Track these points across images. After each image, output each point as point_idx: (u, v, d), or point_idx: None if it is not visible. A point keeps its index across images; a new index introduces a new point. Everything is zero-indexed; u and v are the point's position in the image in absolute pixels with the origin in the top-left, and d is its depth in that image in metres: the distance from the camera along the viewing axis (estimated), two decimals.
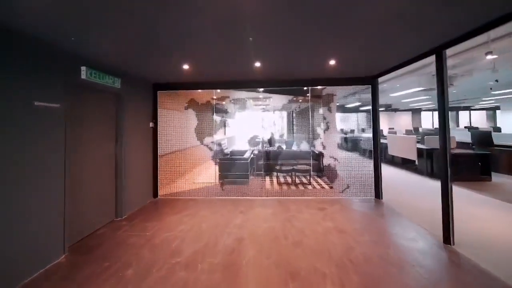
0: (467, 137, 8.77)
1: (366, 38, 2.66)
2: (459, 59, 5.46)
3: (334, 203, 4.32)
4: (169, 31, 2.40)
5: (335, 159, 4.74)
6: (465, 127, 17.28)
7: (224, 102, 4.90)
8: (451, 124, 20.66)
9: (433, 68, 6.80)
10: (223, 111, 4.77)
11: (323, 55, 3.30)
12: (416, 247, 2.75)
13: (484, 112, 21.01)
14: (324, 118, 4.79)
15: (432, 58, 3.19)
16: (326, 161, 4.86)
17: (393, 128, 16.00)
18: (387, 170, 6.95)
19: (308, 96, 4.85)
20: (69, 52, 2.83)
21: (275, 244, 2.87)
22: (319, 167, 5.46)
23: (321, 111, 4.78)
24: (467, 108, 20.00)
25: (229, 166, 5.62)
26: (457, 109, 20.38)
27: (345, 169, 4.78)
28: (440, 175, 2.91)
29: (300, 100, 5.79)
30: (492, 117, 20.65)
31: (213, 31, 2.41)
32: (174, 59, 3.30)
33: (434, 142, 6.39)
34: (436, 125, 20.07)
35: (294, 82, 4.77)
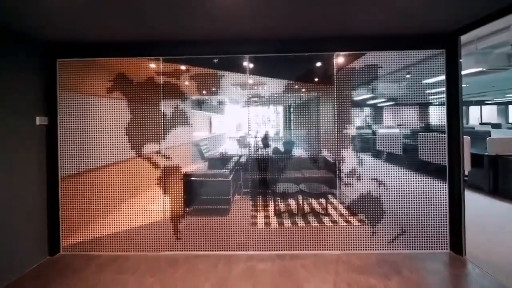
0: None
1: None
2: None
3: (386, 270, 2.26)
4: None
5: (380, 182, 2.67)
6: (480, 123, 15.63)
7: (180, 79, 2.72)
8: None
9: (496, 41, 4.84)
10: (179, 96, 2.59)
11: None
12: None
13: (494, 107, 19.57)
14: (360, 110, 2.70)
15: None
16: (364, 184, 2.77)
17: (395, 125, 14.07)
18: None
19: (332, 70, 2.71)
20: None
21: None
22: (339, 185, 3.40)
23: (355, 94, 2.67)
24: (479, 103, 18.40)
25: (200, 187, 3.50)
26: (468, 103, 18.78)
27: (389, 196, 2.72)
28: None
29: (304, 90, 3.65)
30: (504, 112, 19.22)
31: None
32: None
33: (503, 146, 4.41)
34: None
35: (308, 45, 2.64)
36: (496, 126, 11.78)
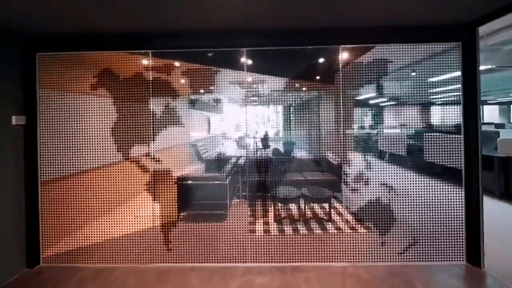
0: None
1: None
2: None
3: (398, 285, 2.04)
4: None
5: (390, 187, 2.46)
6: (483, 123, 15.47)
7: (171, 76, 2.48)
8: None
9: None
10: (170, 94, 2.36)
11: None
12: None
13: (495, 106, 19.40)
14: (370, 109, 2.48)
15: None
16: (371, 189, 2.55)
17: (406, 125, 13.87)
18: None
19: (337, 65, 2.49)
20: None
21: None
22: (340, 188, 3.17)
23: (363, 92, 2.46)
24: (481, 103, 18.18)
25: (195, 191, 3.28)
26: None
27: (400, 202, 2.50)
28: None
29: (306, 88, 3.41)
30: (506, 112, 19.04)
31: None
32: None
33: None
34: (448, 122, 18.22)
35: (311, 37, 2.41)
36: (499, 126, 11.59)
